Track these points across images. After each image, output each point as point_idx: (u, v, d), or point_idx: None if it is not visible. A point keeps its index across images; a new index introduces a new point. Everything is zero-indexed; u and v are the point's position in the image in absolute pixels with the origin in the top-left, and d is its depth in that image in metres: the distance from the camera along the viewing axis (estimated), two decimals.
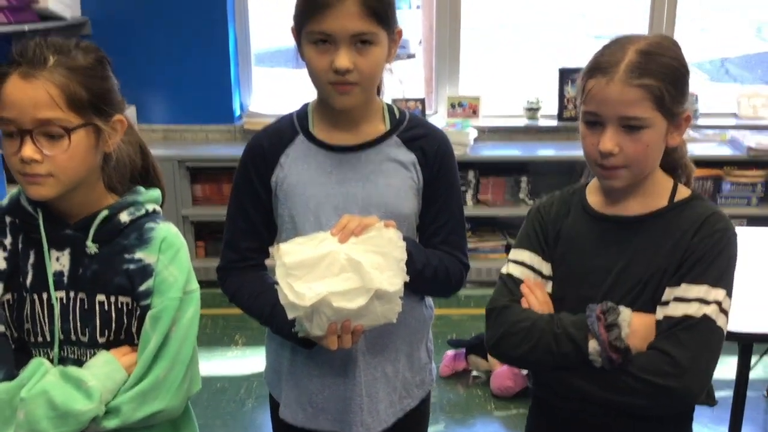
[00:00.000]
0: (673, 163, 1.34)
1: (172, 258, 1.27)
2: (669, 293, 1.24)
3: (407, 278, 1.27)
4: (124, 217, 1.27)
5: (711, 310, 1.21)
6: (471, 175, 3.93)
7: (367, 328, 1.30)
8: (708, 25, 10.75)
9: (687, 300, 1.22)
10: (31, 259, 1.26)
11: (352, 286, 1.22)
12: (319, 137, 1.42)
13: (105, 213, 1.26)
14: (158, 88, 3.98)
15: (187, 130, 4.08)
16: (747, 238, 2.17)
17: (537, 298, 1.32)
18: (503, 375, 2.93)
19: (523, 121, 4.11)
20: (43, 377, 1.20)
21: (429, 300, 1.55)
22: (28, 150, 1.16)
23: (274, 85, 6.26)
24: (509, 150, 3.99)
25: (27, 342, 1.27)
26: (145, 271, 1.26)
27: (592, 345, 1.23)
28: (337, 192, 1.40)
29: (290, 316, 1.24)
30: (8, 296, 1.26)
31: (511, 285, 1.35)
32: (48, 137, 1.17)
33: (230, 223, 1.48)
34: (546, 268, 1.36)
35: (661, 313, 1.24)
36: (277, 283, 1.24)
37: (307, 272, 1.22)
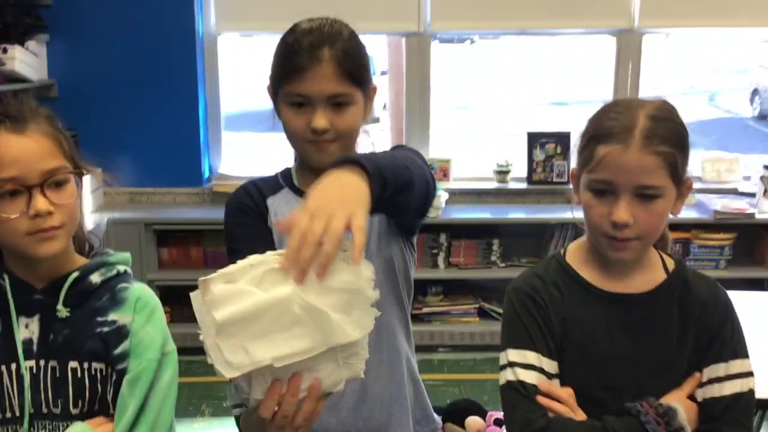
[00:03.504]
0: None
1: (147, 317, 1.22)
2: (708, 373, 1.23)
3: (377, 314, 0.98)
4: (96, 278, 1.22)
5: (752, 382, 1.22)
6: (443, 237, 3.91)
7: (326, 389, 0.98)
8: (665, 91, 11.13)
9: (729, 378, 1.21)
10: None
11: (306, 346, 0.92)
12: (303, 189, 1.39)
13: (76, 274, 1.21)
14: (125, 150, 3.92)
15: (155, 193, 4.01)
16: None
17: (567, 403, 1.21)
18: None
19: (493, 184, 4.13)
20: None
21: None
22: (42, 203, 1.12)
23: (244, 148, 6.26)
24: (480, 213, 4.00)
25: None
26: (120, 333, 1.20)
27: None
28: None
29: (227, 375, 0.93)
30: None
31: (530, 394, 1.21)
32: (54, 186, 1.14)
33: None
34: (552, 366, 1.24)
35: (703, 394, 1.22)
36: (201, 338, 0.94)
37: (244, 328, 0.89)
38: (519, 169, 4.17)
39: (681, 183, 1.20)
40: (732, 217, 3.79)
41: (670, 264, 1.29)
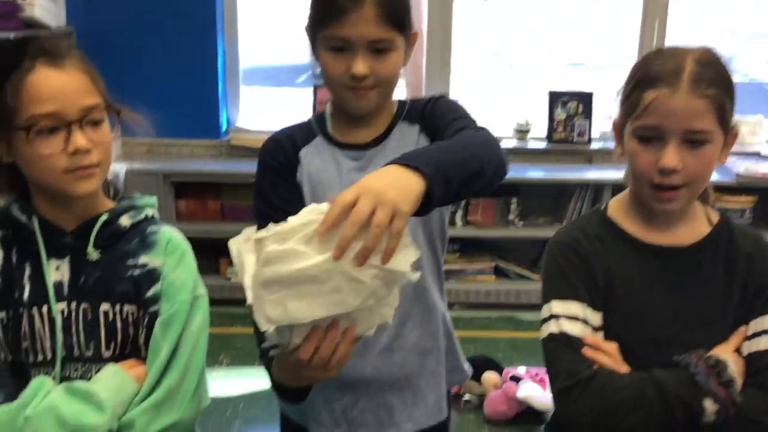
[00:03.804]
0: None
1: (178, 261, 1.21)
2: (754, 326, 1.20)
3: (418, 254, 0.98)
4: (125, 220, 1.21)
5: None
6: None
7: (359, 334, 1.02)
8: None
9: None
10: (28, 272, 1.18)
11: (342, 311, 0.96)
12: (337, 138, 1.38)
13: (105, 216, 1.20)
14: (143, 100, 3.89)
15: (173, 145, 3.99)
16: None
17: (612, 357, 1.19)
18: (497, 400, 2.86)
19: (512, 143, 4.09)
20: (48, 394, 1.11)
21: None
22: (82, 140, 1.11)
23: (261, 102, 6.22)
24: None
25: (25, 363, 1.18)
26: (152, 276, 1.19)
27: (709, 405, 1.13)
28: None
29: (263, 328, 0.96)
30: (2, 314, 1.17)
31: (576, 346, 1.19)
32: (92, 125, 1.13)
33: None
34: (596, 318, 1.21)
35: (748, 348, 1.20)
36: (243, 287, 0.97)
37: (288, 287, 0.93)
38: (539, 128, 4.12)
39: (728, 130, 1.18)
40: (754, 181, 3.75)
41: (714, 217, 1.27)
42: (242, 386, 2.99)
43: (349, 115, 1.36)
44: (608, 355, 1.19)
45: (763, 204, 3.88)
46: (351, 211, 0.91)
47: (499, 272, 3.99)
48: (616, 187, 3.77)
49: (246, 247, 0.98)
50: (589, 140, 4.09)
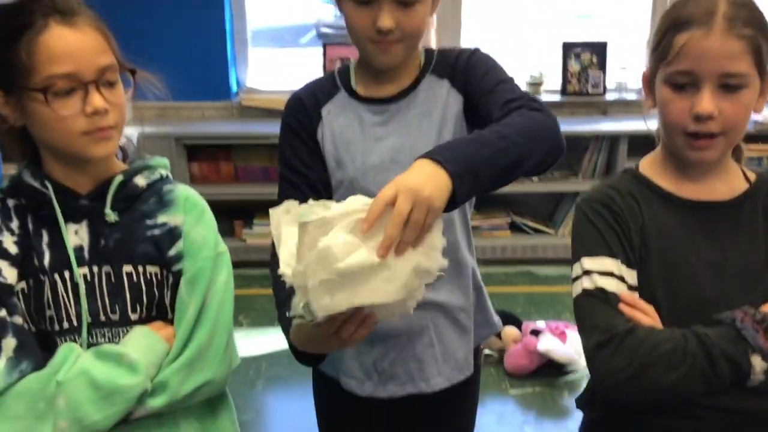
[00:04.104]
0: None
1: (198, 218, 1.19)
2: None
3: (444, 242, 1.04)
4: (141, 180, 1.19)
5: None
6: None
7: (380, 319, 1.09)
8: None
9: None
10: (46, 239, 1.15)
11: (378, 302, 1.01)
12: (361, 93, 1.36)
13: (120, 177, 1.17)
14: (152, 63, 3.86)
15: (183, 108, 3.97)
16: None
17: (651, 316, 1.12)
18: (518, 354, 2.87)
19: None
20: (77, 359, 1.09)
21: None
22: (100, 101, 1.08)
23: (269, 63, 6.17)
24: None
25: (50, 333, 1.15)
26: (173, 234, 1.17)
27: (758, 363, 1.06)
28: (382, 146, 1.33)
29: (320, 315, 0.99)
30: (23, 284, 1.14)
31: (612, 302, 1.12)
32: (107, 86, 1.10)
33: (281, 198, 1.38)
34: (631, 276, 1.14)
35: None
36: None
37: (338, 278, 0.96)
38: (552, 80, 4.06)
39: (764, 74, 1.12)
40: None
41: (751, 175, 1.21)
42: (263, 346, 3.02)
43: (373, 69, 1.33)
44: (646, 314, 1.12)
45: None
46: (391, 208, 0.96)
47: (514, 227, 3.97)
48: (632, 139, 3.78)
49: (287, 219, 1.02)
50: (604, 91, 4.03)
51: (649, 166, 1.22)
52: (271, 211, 1.04)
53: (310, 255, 0.95)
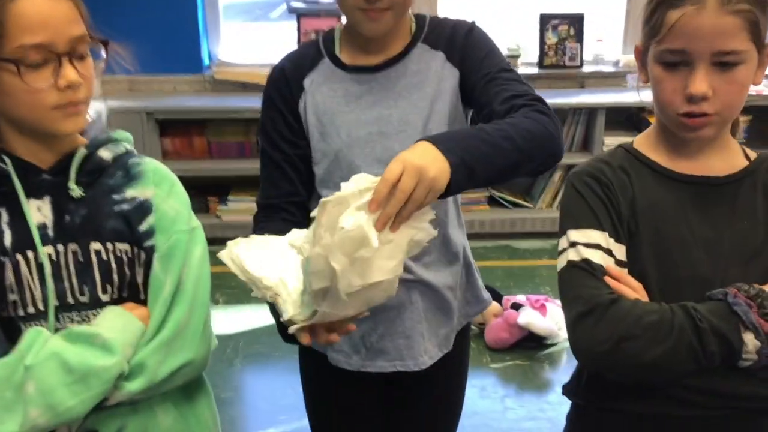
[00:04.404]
0: None
1: (169, 191, 1.13)
2: None
3: (433, 214, 1.06)
4: (105, 153, 1.12)
5: None
6: None
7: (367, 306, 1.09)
8: None
9: None
10: (5, 217, 1.07)
11: (382, 279, 1.03)
12: (346, 61, 1.31)
13: (84, 151, 1.10)
14: (120, 34, 3.75)
15: (154, 81, 3.87)
16: None
17: (637, 291, 1.07)
18: (498, 327, 2.86)
19: None
20: (46, 342, 1.02)
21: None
22: (73, 73, 1.01)
23: (241, 37, 6.05)
24: None
25: (14, 318, 1.07)
26: (143, 208, 1.11)
27: (750, 340, 1.01)
28: (369, 117, 1.29)
29: (344, 293, 1.01)
30: None
31: (598, 273, 1.07)
32: (79, 58, 1.03)
33: (263, 172, 1.36)
34: (620, 251, 1.09)
35: None
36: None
37: (359, 261, 0.99)
38: (530, 53, 4.02)
39: (763, 47, 1.06)
40: (748, 99, 3.69)
41: (752, 154, 1.16)
42: (241, 324, 2.98)
43: (361, 37, 1.29)
44: (633, 289, 1.07)
45: (758, 123, 3.83)
46: (396, 186, 0.98)
47: (492, 201, 3.95)
48: (610, 111, 3.76)
49: (238, 249, 1.14)
50: (581, 64, 4.01)
51: (643, 141, 1.18)
52: (219, 256, 1.12)
53: (334, 237, 0.96)
